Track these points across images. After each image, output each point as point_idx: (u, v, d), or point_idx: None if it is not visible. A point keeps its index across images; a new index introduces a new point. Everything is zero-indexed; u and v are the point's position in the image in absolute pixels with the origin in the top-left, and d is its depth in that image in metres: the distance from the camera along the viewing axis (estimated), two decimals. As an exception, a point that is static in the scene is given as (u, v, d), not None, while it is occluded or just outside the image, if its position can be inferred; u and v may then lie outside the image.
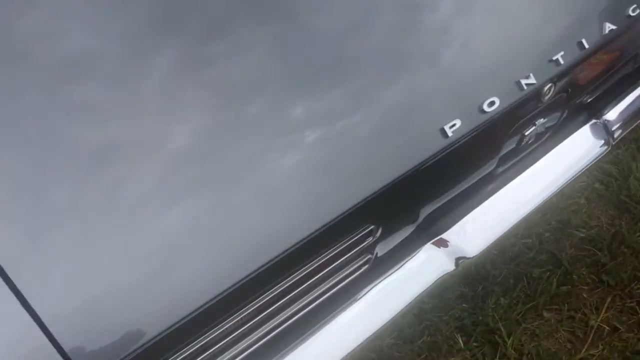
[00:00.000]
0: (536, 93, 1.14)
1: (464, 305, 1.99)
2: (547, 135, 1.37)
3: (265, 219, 0.90)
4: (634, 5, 1.30)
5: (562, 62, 1.17)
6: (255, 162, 0.92)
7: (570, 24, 1.23)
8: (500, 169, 1.30)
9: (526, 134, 1.28)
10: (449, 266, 1.20)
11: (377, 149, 0.99)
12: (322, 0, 1.06)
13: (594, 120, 1.49)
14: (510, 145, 1.27)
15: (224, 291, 0.85)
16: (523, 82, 1.12)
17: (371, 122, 1.00)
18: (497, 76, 1.11)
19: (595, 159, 1.46)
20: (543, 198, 1.33)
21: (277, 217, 0.91)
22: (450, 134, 1.02)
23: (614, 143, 1.49)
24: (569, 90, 1.30)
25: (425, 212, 1.18)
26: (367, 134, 0.99)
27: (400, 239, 1.17)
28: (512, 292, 2.03)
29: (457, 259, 1.21)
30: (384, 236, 1.09)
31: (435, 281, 1.20)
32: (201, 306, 0.82)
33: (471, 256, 1.22)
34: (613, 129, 1.49)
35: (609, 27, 1.26)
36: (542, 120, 1.30)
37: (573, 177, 1.39)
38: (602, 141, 1.47)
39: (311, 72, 1.00)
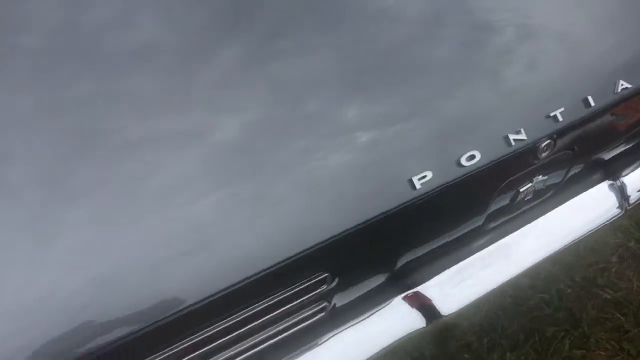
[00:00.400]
0: (529, 149, 1.06)
1: (466, 355, 1.89)
2: (550, 194, 1.28)
3: (208, 254, 0.87)
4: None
5: (561, 119, 1.09)
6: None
7: (576, 77, 1.14)
8: (492, 225, 1.22)
9: (521, 190, 1.19)
10: (419, 323, 1.13)
11: (334, 195, 0.94)
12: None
13: (609, 181, 1.38)
14: (502, 201, 1.19)
15: (151, 325, 0.82)
16: (512, 137, 1.04)
17: (334, 167, 0.95)
18: (483, 129, 1.04)
19: (605, 222, 1.35)
20: (536, 260, 1.23)
21: (221, 253, 0.88)
22: (418, 186, 0.96)
23: (628, 208, 1.37)
24: (575, 148, 1.21)
25: (397, 263, 1.12)
26: (326, 178, 0.94)
27: (367, 290, 1.11)
28: (521, 349, 1.91)
29: (430, 317, 1.14)
30: (344, 285, 1.04)
31: (403, 337, 1.13)
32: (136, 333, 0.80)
33: (445, 314, 1.14)
34: (630, 193, 1.37)
35: (622, 84, 1.16)
36: (541, 178, 1.21)
37: (576, 240, 1.29)
38: (616, 205, 1.36)
39: None
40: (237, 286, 0.87)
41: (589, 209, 1.34)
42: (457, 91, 1.06)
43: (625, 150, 1.40)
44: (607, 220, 1.36)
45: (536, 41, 1.15)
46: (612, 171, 1.40)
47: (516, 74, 1.10)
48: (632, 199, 1.38)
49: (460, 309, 1.17)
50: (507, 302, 1.94)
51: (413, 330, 1.13)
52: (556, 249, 1.25)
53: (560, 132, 1.10)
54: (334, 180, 0.94)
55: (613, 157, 1.39)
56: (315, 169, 0.95)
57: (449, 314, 1.16)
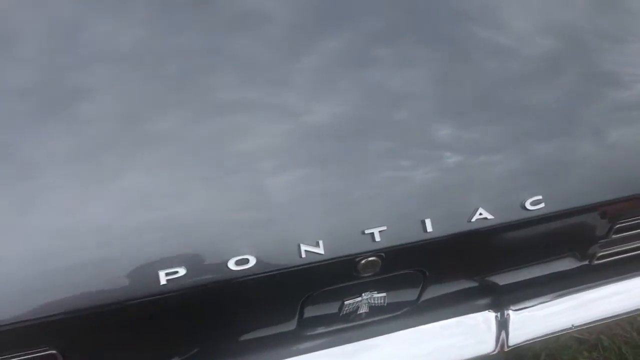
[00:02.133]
0: (327, 263, 0.94)
1: None
2: (402, 311, 1.14)
3: None
4: (534, 198, 1.02)
5: (378, 239, 0.95)
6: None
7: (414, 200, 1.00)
8: (312, 332, 1.10)
9: (347, 302, 1.06)
10: None
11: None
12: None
13: (492, 312, 1.19)
14: (324, 310, 1.06)
15: None
16: (305, 248, 0.93)
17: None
18: (265, 235, 0.93)
19: (473, 356, 1.18)
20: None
21: None
22: (163, 281, 0.87)
23: (506, 349, 1.19)
24: (426, 271, 1.06)
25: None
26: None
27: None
28: None
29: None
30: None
31: None
32: None
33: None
34: (512, 331, 1.19)
35: (480, 213, 1.00)
36: (377, 294, 1.07)
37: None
38: (491, 340, 1.18)
39: None
40: None
41: (455, 337, 1.17)
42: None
43: (523, 281, 1.21)
44: (476, 355, 1.18)
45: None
46: (500, 302, 1.21)
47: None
48: (513, 341, 1.19)
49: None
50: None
51: None
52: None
53: (380, 252, 0.96)
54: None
55: (505, 285, 1.21)
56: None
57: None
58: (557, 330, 1.23)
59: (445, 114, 1.07)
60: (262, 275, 0.92)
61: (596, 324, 1.25)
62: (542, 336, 1.23)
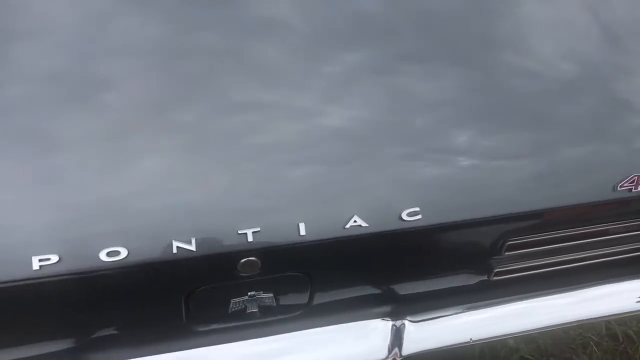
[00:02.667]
0: (204, 259, 1.00)
1: None
2: (297, 313, 1.18)
3: None
4: (411, 209, 1.06)
5: (251, 239, 1.00)
6: None
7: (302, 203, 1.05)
8: (205, 328, 1.15)
9: (234, 301, 1.11)
10: None
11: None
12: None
13: (388, 320, 1.23)
14: (214, 308, 1.12)
15: None
16: (178, 244, 0.98)
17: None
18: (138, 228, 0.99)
19: (365, 363, 1.21)
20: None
21: None
22: (36, 267, 0.94)
23: (399, 358, 1.22)
24: (311, 273, 1.11)
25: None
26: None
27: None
28: None
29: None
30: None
31: None
32: None
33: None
34: (406, 340, 1.22)
35: (355, 220, 1.04)
36: (264, 294, 1.12)
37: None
38: (384, 348, 1.21)
39: None
40: None
41: (347, 342, 1.21)
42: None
43: (423, 293, 1.24)
44: (368, 361, 1.21)
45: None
46: (398, 311, 1.24)
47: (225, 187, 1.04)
48: (406, 351, 1.22)
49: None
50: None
51: None
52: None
53: (252, 252, 1.01)
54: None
55: (404, 295, 1.24)
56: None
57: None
58: (454, 343, 1.25)
59: (332, 121, 1.10)
60: (133, 267, 0.97)
61: (494, 339, 1.26)
62: (438, 348, 1.25)
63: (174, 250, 0.98)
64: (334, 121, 1.09)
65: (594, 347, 2.02)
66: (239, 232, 1.00)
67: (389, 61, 1.16)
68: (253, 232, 1.00)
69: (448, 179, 1.09)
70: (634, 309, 1.34)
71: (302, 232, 1.02)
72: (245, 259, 1.03)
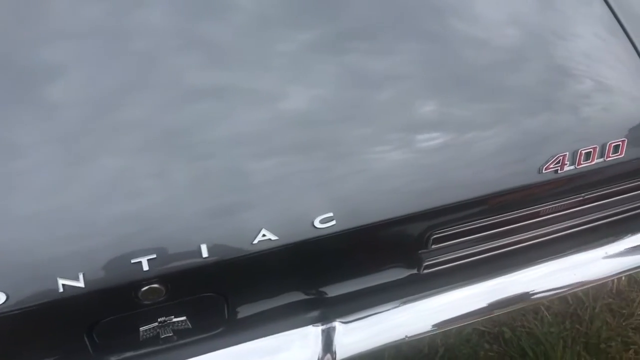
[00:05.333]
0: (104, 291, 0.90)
1: None
2: (217, 331, 1.10)
3: None
4: (324, 215, 0.98)
5: (147, 268, 0.91)
6: None
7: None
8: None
9: (144, 329, 1.03)
10: None
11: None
12: None
13: (318, 325, 1.16)
14: (124, 337, 1.03)
15: None
16: (65, 282, 0.88)
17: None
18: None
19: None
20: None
21: None
22: None
23: (333, 364, 1.16)
24: (228, 295, 1.03)
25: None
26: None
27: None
28: None
29: None
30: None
31: None
32: None
33: None
34: (337, 343, 1.15)
35: (263, 234, 0.96)
36: (176, 318, 1.03)
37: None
38: (317, 357, 1.15)
39: None
40: None
41: (278, 354, 1.14)
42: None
43: (351, 293, 1.18)
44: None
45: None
46: (326, 315, 1.17)
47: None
48: (342, 353, 1.16)
49: None
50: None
51: None
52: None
53: (150, 281, 0.92)
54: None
55: (332, 298, 1.17)
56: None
57: None
58: (389, 341, 1.19)
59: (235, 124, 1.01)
60: (16, 311, 0.88)
61: (429, 334, 1.21)
62: (374, 348, 1.19)
63: (60, 289, 0.89)
64: (237, 124, 1.00)
65: (545, 312, 2.00)
66: (133, 261, 0.91)
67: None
68: (148, 260, 0.92)
69: (361, 178, 1.01)
70: (572, 285, 1.30)
71: (205, 253, 0.93)
72: (147, 287, 0.95)
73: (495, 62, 1.13)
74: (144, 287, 0.95)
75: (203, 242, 0.94)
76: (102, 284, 0.91)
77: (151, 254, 0.92)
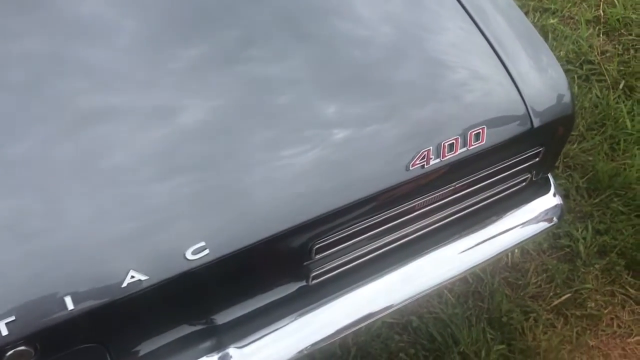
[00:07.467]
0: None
1: None
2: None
3: None
4: (196, 245, 0.94)
5: (5, 332, 0.83)
6: None
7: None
8: None
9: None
10: None
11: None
12: None
13: (210, 355, 1.12)
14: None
15: None
16: None
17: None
18: None
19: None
20: None
21: None
22: None
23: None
24: (107, 343, 0.96)
25: None
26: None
27: None
28: None
29: None
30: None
31: None
32: None
33: None
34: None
35: (133, 275, 0.90)
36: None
37: None
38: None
39: None
40: None
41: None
42: None
43: (242, 316, 1.14)
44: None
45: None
46: (220, 342, 1.13)
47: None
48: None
49: None
50: None
51: None
52: None
53: (18, 343, 0.85)
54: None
55: (223, 325, 1.13)
56: None
57: None
58: (289, 357, 1.17)
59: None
60: None
61: (325, 343, 1.20)
62: (273, 367, 1.17)
63: None
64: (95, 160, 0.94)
65: (448, 294, 2.05)
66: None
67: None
68: (7, 323, 0.84)
69: (231, 200, 0.98)
70: (462, 270, 1.33)
71: (70, 305, 0.87)
72: (12, 351, 0.87)
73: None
74: (8, 352, 0.87)
75: (66, 294, 0.88)
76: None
77: (8, 316, 0.85)
